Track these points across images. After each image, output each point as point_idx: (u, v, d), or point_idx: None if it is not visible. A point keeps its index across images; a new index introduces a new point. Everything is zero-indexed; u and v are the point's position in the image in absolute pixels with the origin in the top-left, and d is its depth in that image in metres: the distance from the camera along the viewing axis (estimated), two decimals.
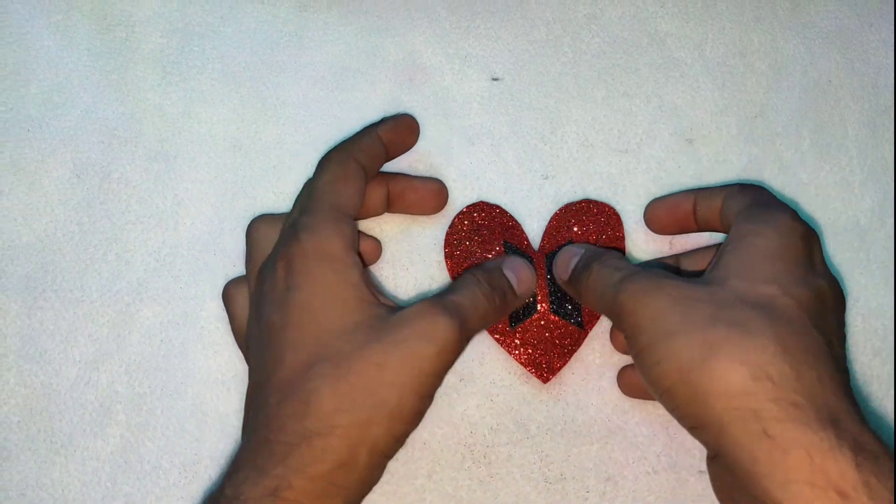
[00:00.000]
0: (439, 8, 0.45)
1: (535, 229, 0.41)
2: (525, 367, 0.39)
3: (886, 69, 0.45)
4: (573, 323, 0.39)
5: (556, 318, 0.39)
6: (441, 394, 0.38)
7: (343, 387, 0.29)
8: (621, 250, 0.40)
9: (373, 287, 0.33)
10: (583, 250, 0.36)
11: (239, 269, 0.40)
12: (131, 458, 0.38)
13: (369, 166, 0.36)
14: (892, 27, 0.45)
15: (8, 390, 0.39)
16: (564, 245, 0.39)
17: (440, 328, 0.30)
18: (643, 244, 0.41)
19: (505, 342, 0.39)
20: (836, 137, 0.44)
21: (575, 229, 0.40)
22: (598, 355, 0.40)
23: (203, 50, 0.44)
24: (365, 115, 0.43)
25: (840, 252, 0.42)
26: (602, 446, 0.39)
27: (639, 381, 0.38)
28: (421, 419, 0.31)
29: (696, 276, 0.32)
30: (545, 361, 0.39)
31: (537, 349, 0.39)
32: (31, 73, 0.43)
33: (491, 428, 0.39)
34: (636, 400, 0.39)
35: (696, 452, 0.39)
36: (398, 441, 0.30)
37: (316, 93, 0.43)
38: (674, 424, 0.38)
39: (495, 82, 0.44)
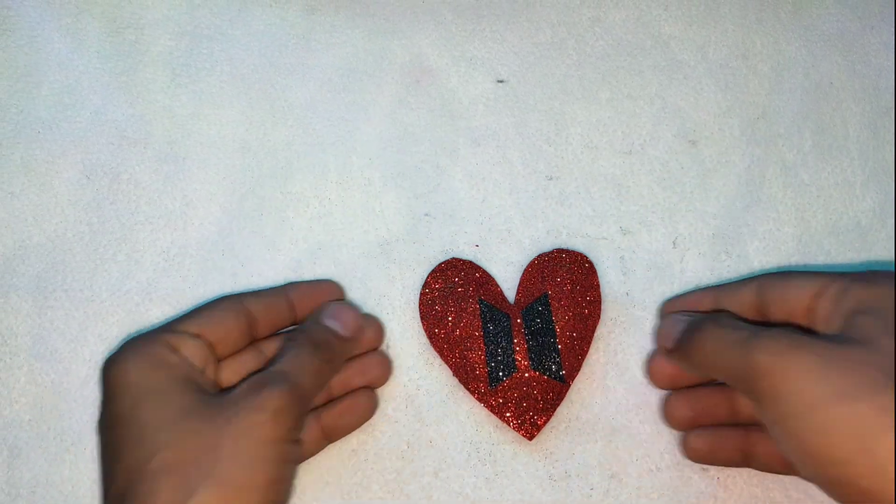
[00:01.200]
0: (445, 11, 0.45)
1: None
2: (509, 425, 0.38)
3: (887, 71, 0.45)
4: (555, 378, 0.39)
5: (537, 374, 0.39)
6: (447, 392, 0.39)
7: (180, 474, 0.27)
8: (597, 299, 0.40)
9: (204, 376, 0.32)
10: (686, 316, 0.35)
11: (248, 268, 0.41)
12: None
13: (260, 314, 0.35)
14: (893, 30, 0.46)
15: (18, 389, 0.39)
16: (540, 298, 0.39)
17: (269, 397, 0.29)
18: (647, 243, 0.42)
19: (487, 402, 0.39)
20: (837, 139, 0.44)
21: (548, 280, 0.40)
22: (602, 354, 0.40)
23: (212, 52, 0.44)
24: (372, 117, 0.43)
25: (841, 252, 0.42)
26: (606, 444, 0.39)
27: (672, 370, 0.37)
28: (289, 486, 0.30)
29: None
30: (528, 418, 0.38)
31: (520, 406, 0.38)
32: (42, 76, 0.43)
33: (496, 426, 0.39)
34: (640, 398, 0.39)
35: None
36: None
37: (323, 95, 0.44)
38: None
39: (500, 84, 0.44)
